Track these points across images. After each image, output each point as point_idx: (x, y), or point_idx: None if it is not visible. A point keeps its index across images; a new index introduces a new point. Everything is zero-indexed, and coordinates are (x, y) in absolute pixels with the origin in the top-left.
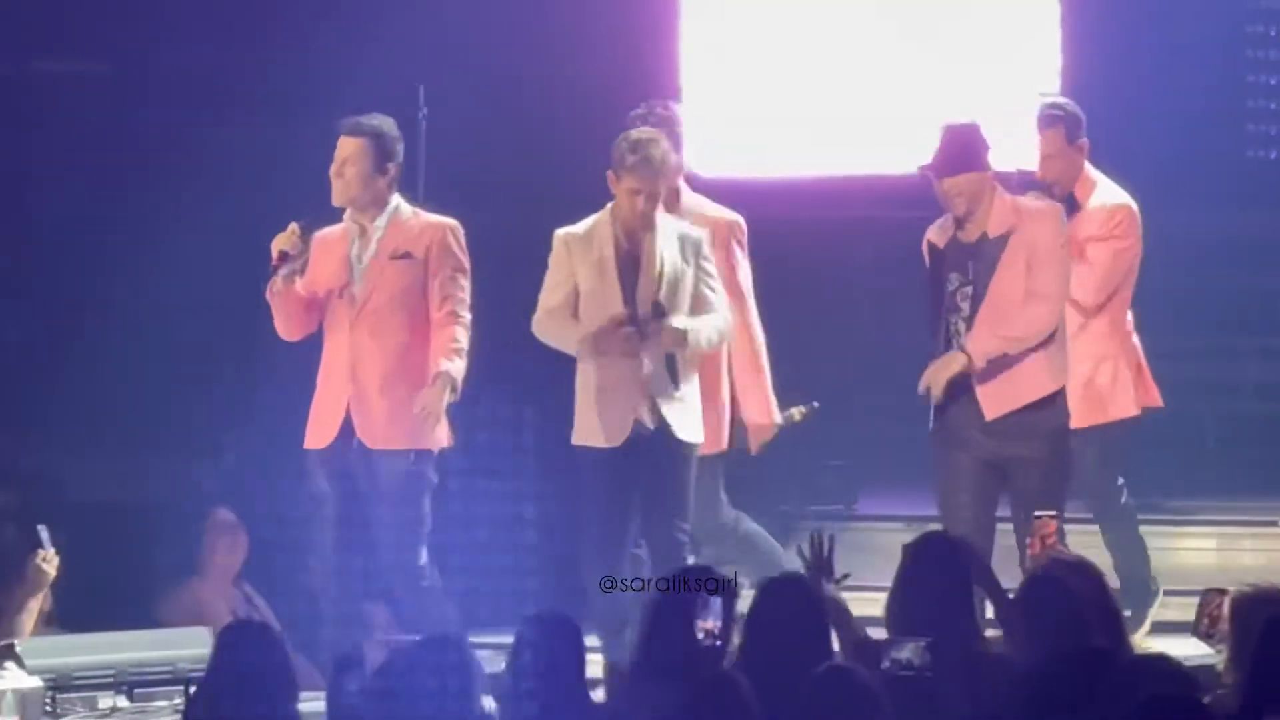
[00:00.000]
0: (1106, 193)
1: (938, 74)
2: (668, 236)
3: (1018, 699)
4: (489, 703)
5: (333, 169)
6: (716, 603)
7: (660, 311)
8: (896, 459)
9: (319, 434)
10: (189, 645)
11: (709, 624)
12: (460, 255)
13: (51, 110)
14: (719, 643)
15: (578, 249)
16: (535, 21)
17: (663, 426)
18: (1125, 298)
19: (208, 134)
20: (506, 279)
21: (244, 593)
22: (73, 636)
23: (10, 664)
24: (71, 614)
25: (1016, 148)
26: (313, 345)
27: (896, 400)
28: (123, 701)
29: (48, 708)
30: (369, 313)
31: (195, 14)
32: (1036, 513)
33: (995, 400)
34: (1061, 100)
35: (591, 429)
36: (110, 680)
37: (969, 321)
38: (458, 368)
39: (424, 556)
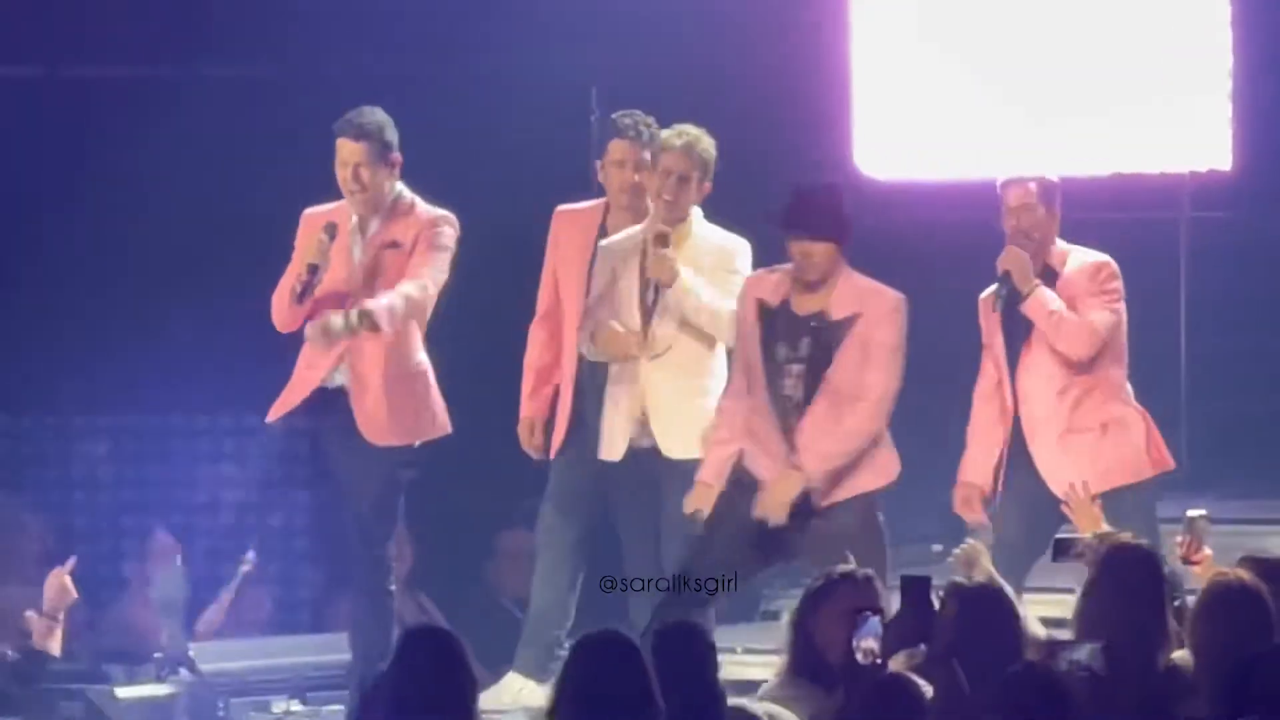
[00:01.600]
0: (1084, 254)
1: (1109, 75)
2: (690, 248)
3: (1200, 706)
4: None
5: (345, 174)
6: (875, 622)
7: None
8: None
9: (279, 405)
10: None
11: (868, 643)
12: (447, 243)
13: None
14: (879, 662)
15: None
16: (705, 21)
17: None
18: (1122, 356)
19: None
20: None
21: (416, 601)
22: (245, 640)
23: (183, 668)
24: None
25: (1182, 148)
26: None
27: None
28: (296, 705)
29: (221, 711)
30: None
31: (366, 17)
32: (1190, 513)
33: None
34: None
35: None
36: (283, 684)
37: (801, 408)
38: (380, 305)
39: (391, 551)
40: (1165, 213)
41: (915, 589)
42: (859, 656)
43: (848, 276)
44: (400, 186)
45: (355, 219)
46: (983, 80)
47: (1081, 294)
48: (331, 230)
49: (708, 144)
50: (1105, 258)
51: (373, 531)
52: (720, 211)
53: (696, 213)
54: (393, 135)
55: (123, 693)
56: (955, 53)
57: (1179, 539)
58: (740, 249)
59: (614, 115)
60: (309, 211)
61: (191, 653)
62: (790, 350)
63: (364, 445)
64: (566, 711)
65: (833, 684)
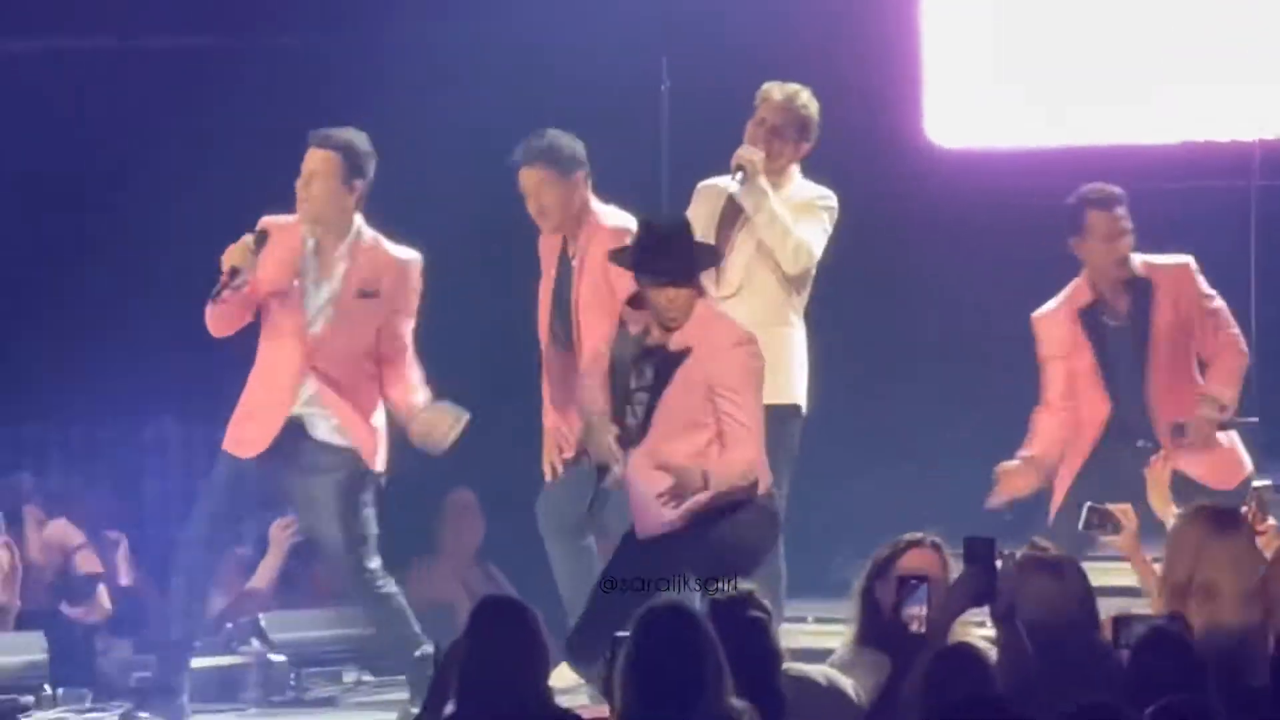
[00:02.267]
0: (1163, 261)
1: (1179, 42)
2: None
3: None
4: None
5: (299, 182)
6: (923, 590)
7: None
8: None
9: (249, 442)
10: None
11: (916, 611)
12: (418, 292)
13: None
14: (923, 630)
15: None
16: None
17: None
18: None
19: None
20: None
21: (486, 571)
22: (316, 611)
23: (254, 639)
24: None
25: (1252, 116)
26: None
27: None
28: (366, 675)
29: (292, 681)
30: (333, 349)
31: None
32: (1255, 483)
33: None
34: (1108, 186)
35: None
36: (353, 654)
37: (641, 429)
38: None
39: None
40: (1235, 180)
41: (980, 550)
42: (909, 625)
43: (702, 308)
44: (359, 220)
45: (313, 243)
46: (1052, 48)
47: (1193, 307)
48: (261, 239)
49: (807, 100)
50: (1184, 259)
51: (354, 535)
52: None
53: (794, 171)
54: (364, 160)
55: (196, 663)
56: (1025, 21)
57: (1243, 509)
58: (830, 194)
59: (520, 144)
60: (267, 220)
61: (263, 623)
62: (639, 378)
63: (319, 462)
64: (636, 681)
65: (899, 651)
